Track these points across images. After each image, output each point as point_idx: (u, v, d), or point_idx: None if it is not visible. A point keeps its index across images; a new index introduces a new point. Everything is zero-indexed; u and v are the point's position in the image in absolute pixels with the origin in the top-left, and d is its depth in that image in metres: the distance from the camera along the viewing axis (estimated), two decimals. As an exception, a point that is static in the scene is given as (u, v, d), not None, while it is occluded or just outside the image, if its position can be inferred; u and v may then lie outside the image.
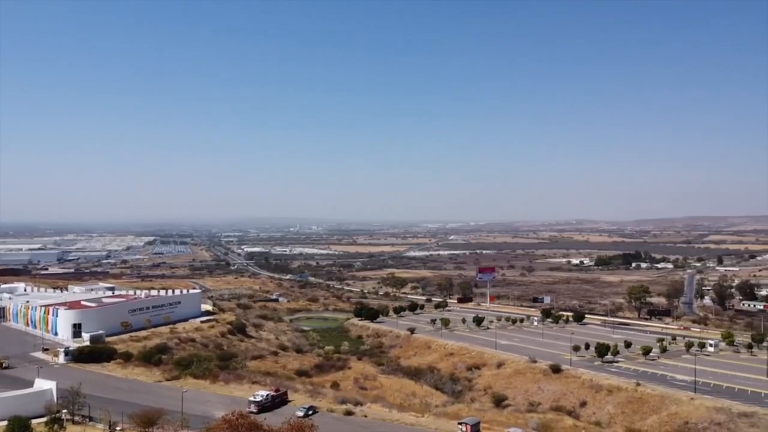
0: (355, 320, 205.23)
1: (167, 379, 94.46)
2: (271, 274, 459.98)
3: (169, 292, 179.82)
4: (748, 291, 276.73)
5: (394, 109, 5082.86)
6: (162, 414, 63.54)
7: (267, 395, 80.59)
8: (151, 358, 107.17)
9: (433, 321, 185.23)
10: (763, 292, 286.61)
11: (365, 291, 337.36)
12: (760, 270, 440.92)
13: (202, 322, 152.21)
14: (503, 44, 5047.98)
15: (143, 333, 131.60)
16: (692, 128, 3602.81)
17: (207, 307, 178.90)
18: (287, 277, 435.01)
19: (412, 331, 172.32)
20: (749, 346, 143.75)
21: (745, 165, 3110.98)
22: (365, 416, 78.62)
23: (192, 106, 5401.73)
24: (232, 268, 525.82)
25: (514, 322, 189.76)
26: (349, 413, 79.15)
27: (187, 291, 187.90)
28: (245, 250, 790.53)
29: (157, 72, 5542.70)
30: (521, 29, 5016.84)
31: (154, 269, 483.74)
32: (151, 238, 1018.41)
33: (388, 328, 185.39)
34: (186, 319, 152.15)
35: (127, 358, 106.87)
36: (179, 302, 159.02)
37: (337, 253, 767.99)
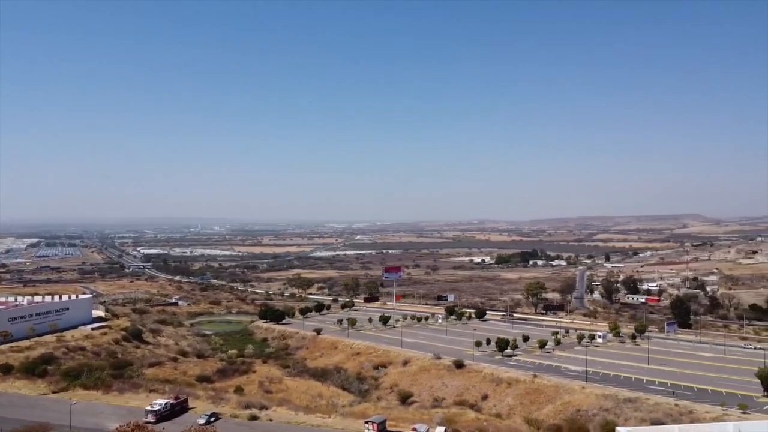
0: (260, 322, 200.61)
1: (54, 392, 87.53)
2: (170, 277, 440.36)
3: (56, 297, 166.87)
4: (632, 286, 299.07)
5: (298, 109, 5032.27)
6: (47, 429, 58.67)
7: (166, 404, 76.71)
8: (35, 369, 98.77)
9: (340, 321, 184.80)
10: (645, 287, 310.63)
11: (270, 292, 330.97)
12: (642, 266, 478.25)
13: (93, 329, 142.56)
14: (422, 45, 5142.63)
15: (26, 343, 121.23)
16: (580, 134, 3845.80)
17: (99, 313, 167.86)
18: (188, 280, 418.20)
19: (318, 331, 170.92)
20: (633, 337, 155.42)
21: (629, 169, 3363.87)
22: (270, 420, 76.79)
23: (79, 99, 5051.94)
24: (127, 271, 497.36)
25: (419, 320, 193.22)
26: (253, 418, 76.96)
27: (77, 296, 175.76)
28: (141, 251, 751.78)
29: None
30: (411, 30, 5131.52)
31: (39, 273, 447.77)
32: (35, 240, 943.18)
33: (295, 329, 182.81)
34: (75, 327, 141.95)
35: (6, 370, 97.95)
36: (67, 308, 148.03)
37: (240, 254, 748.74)
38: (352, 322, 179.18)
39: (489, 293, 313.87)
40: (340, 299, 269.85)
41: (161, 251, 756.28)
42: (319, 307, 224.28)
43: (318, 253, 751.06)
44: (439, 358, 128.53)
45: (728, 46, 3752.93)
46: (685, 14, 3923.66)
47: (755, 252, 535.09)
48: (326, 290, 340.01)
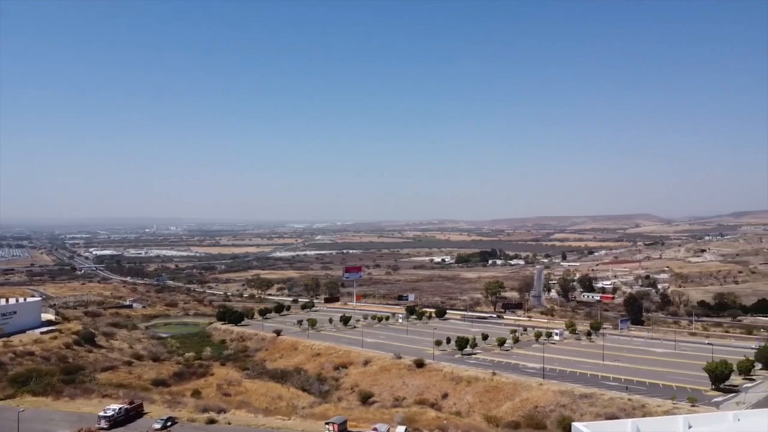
0: (218, 324, 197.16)
1: (0, 399, 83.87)
2: (125, 279, 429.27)
3: (2, 301, 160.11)
4: (587, 284, 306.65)
5: (257, 109, 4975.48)
6: (-8, 438, 56.09)
7: (119, 409, 74.44)
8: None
9: (300, 322, 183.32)
10: (600, 285, 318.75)
11: (229, 294, 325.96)
12: (597, 265, 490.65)
13: (42, 333, 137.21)
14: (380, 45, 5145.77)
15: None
16: (538, 136, 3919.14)
17: (49, 316, 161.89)
18: (143, 282, 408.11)
19: (278, 333, 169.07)
20: (588, 334, 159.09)
21: (585, 170, 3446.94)
22: (229, 423, 75.39)
23: (14, 97, 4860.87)
24: (79, 273, 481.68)
25: (380, 320, 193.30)
26: (211, 421, 75.42)
27: (25, 299, 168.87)
28: (94, 253, 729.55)
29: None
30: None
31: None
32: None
33: (254, 330, 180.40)
34: (23, 331, 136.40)
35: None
36: (14, 312, 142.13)
37: (198, 254, 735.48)
38: (313, 323, 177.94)
39: (449, 292, 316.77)
40: (300, 300, 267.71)
41: (115, 252, 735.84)
42: (279, 308, 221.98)
43: (278, 254, 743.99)
44: (400, 357, 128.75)
45: (679, 44, 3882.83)
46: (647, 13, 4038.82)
47: (703, 251, 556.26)
48: (286, 291, 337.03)
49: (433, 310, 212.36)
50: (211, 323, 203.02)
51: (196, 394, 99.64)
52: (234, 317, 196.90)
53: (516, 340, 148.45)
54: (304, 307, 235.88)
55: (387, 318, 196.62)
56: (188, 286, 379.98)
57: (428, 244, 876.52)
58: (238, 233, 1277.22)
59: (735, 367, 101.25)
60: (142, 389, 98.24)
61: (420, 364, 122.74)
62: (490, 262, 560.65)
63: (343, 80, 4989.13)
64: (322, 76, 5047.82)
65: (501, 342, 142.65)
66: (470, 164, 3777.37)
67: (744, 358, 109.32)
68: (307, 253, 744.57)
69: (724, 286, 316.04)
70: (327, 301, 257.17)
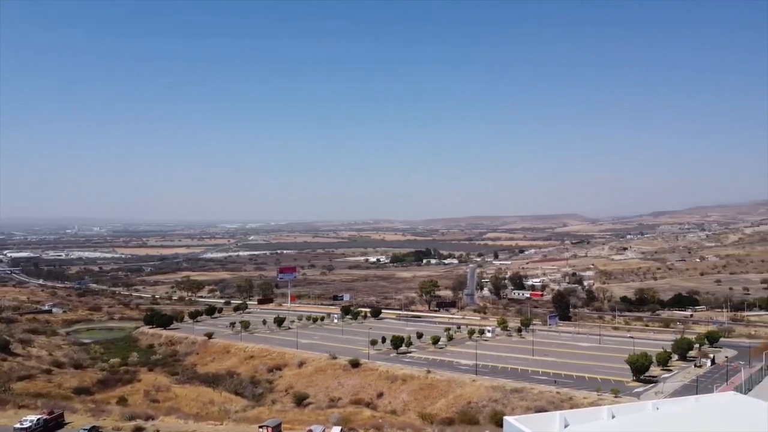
0: (146, 328, 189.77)
1: None
2: (43, 283, 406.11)
3: None
4: (518, 282, 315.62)
5: (185, 104, 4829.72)
6: None
7: (38, 420, 70.10)
8: None
9: (233, 324, 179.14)
10: (530, 282, 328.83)
11: (157, 296, 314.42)
12: (527, 263, 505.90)
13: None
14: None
15: None
16: (471, 137, 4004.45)
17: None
18: (63, 285, 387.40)
19: (209, 336, 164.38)
20: (519, 330, 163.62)
21: (515, 171, 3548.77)
22: (158, 430, 72.49)
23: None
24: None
25: (315, 320, 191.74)
26: (138, 429, 72.24)
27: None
28: (8, 255, 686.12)
29: None
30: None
31: None
32: None
33: (184, 334, 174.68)
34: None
35: None
36: None
37: (124, 256, 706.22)
38: (246, 325, 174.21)
39: (384, 292, 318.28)
40: (232, 302, 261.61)
41: (32, 254, 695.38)
42: (211, 311, 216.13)
43: (209, 255, 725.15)
44: (335, 358, 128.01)
45: (604, 43, 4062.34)
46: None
47: (625, 249, 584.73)
48: (218, 293, 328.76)
49: (368, 309, 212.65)
50: (137, 327, 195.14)
51: (122, 401, 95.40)
52: (162, 321, 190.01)
53: (450, 338, 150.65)
54: (236, 309, 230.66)
55: (322, 318, 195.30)
56: (113, 289, 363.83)
57: (363, 244, 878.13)
58: (167, 234, 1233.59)
59: (654, 358, 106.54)
60: (62, 398, 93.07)
61: (355, 364, 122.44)
62: (424, 261, 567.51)
63: (268, 75, 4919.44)
64: (246, 73, 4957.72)
65: (435, 340, 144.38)
66: (405, 164, 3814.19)
67: (662, 350, 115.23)
68: (240, 253, 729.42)
69: (644, 282, 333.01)
70: (261, 302, 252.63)
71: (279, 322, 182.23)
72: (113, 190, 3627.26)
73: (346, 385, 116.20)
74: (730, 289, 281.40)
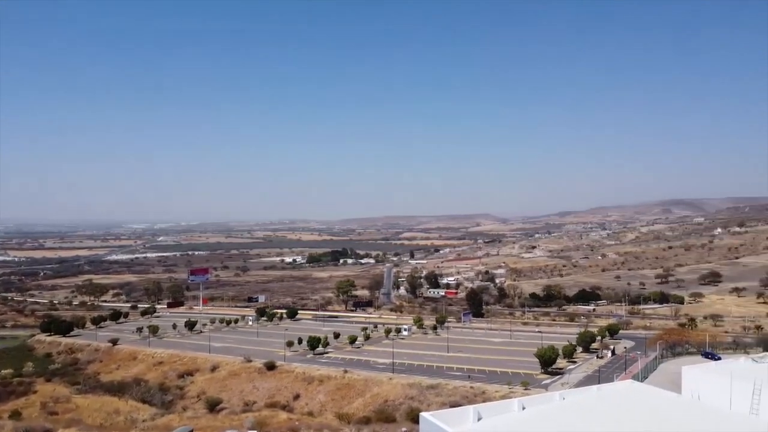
0: (43, 336, 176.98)
1: None
2: None
3: None
4: (433, 280, 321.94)
5: (82, 93, 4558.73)
6: None
7: None
8: None
9: (140, 329, 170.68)
10: (445, 281, 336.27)
11: (56, 302, 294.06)
12: (442, 262, 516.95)
13: None
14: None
15: None
16: (386, 137, 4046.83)
17: None
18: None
19: (114, 342, 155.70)
20: (434, 328, 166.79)
21: (430, 171, 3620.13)
22: (55, 446, 67.61)
23: None
24: None
25: (228, 323, 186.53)
26: (33, 445, 67.05)
27: None
28: None
29: None
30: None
31: None
32: None
33: (86, 341, 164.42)
34: None
35: None
36: None
37: (17, 259, 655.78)
38: (154, 330, 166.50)
39: (301, 292, 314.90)
40: (140, 306, 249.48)
41: None
42: (116, 316, 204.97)
43: (114, 257, 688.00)
44: (250, 360, 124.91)
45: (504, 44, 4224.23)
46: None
47: (534, 247, 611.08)
48: (124, 296, 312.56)
49: (284, 310, 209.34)
50: (33, 335, 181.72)
51: (15, 415, 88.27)
52: (61, 327, 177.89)
53: (367, 338, 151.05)
54: (144, 313, 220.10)
55: (236, 321, 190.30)
56: (5, 294, 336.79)
57: (279, 244, 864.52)
58: (66, 235, 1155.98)
59: (560, 351, 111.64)
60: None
61: (271, 366, 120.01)
62: (341, 261, 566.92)
63: (170, 70, 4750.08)
64: (141, 66, 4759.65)
65: (352, 340, 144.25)
66: (321, 164, 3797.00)
67: (568, 343, 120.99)
68: (148, 255, 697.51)
69: (551, 279, 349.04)
70: (170, 305, 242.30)
71: (190, 325, 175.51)
72: (3, 187, 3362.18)
73: (261, 388, 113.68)
74: (628, 284, 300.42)
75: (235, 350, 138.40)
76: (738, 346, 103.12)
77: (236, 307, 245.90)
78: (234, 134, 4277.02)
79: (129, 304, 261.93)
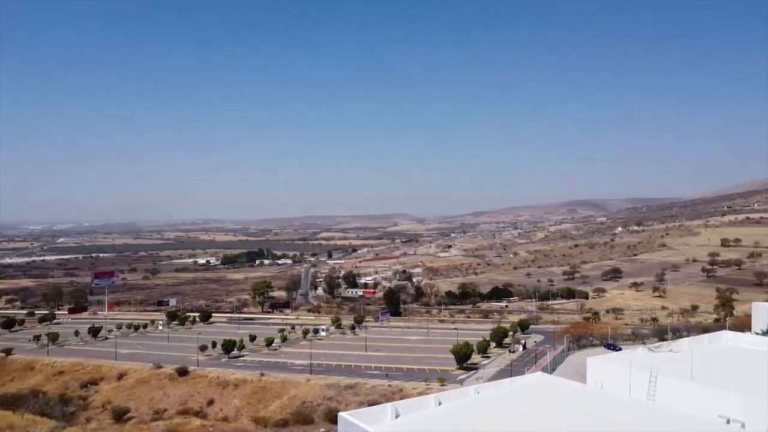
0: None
1: None
2: None
3: None
4: (352, 280, 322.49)
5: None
6: None
7: None
8: None
9: (37, 337, 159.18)
10: (363, 281, 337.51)
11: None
12: (360, 262, 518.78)
13: None
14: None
15: None
16: (300, 136, 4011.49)
17: None
18: None
19: (7, 352, 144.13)
20: (352, 328, 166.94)
21: (349, 170, 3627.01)
22: (-64, 468, 61.62)
23: None
24: None
25: (137, 328, 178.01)
26: None
27: None
28: None
29: None
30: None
31: None
32: None
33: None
34: None
35: None
36: None
37: None
38: (54, 337, 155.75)
39: (215, 295, 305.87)
40: (37, 312, 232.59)
41: None
42: (9, 323, 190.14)
43: (7, 260, 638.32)
44: (161, 367, 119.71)
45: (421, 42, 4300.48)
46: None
47: (450, 246, 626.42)
48: (18, 303, 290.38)
49: (197, 314, 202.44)
50: None
51: None
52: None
53: (284, 339, 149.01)
54: (42, 320, 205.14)
55: (145, 326, 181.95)
56: None
57: (191, 245, 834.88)
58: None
59: (475, 347, 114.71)
60: None
61: (183, 372, 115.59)
62: (257, 262, 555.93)
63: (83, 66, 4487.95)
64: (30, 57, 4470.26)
65: (269, 342, 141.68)
66: (236, 163, 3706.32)
67: (482, 339, 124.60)
68: (47, 258, 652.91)
69: (466, 277, 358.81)
70: (72, 311, 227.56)
71: (94, 332, 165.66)
72: None
73: (172, 395, 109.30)
74: (538, 281, 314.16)
75: (144, 356, 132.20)
76: (636, 338, 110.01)
77: (145, 311, 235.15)
78: (142, 130, 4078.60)
79: (25, 311, 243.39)
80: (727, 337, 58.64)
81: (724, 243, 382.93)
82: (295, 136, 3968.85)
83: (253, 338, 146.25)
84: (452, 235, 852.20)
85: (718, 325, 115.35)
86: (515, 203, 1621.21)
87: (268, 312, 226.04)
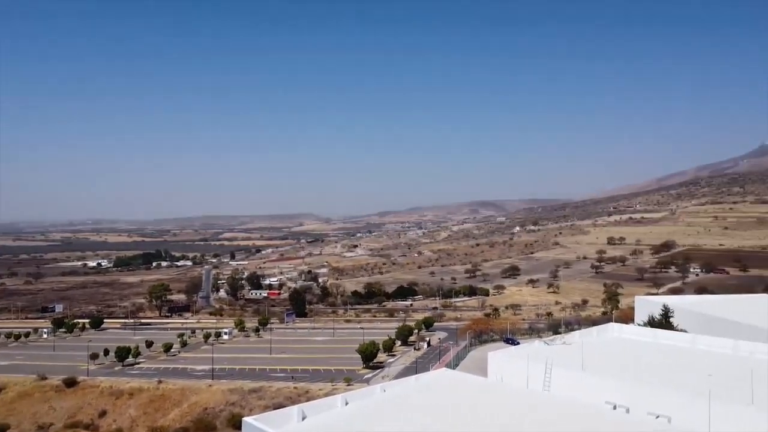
0: None
1: None
2: None
3: None
4: (255, 281, 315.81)
5: None
6: None
7: None
8: None
9: None
10: (267, 282, 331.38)
11: None
12: (264, 262, 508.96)
13: None
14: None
15: None
16: (201, 134, 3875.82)
17: None
18: None
19: None
20: (257, 330, 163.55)
21: (253, 169, 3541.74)
22: None
23: None
24: None
25: (17, 337, 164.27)
26: None
27: None
28: None
29: None
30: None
31: None
32: None
33: None
34: None
35: None
36: None
37: None
38: None
39: (107, 299, 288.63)
40: None
41: None
42: None
43: None
44: (45, 378, 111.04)
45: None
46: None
47: (356, 246, 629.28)
48: None
49: (87, 320, 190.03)
50: None
51: None
52: None
53: (184, 344, 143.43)
54: None
55: (27, 335, 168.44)
56: None
57: (81, 247, 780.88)
58: None
59: (381, 346, 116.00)
60: None
61: (71, 382, 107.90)
62: (154, 264, 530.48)
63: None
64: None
65: (167, 348, 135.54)
66: (130, 160, 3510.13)
67: (387, 337, 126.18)
68: None
69: (372, 276, 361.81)
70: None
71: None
72: None
73: (59, 407, 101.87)
74: (442, 279, 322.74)
75: (26, 368, 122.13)
76: (533, 332, 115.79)
77: (27, 319, 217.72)
78: (23, 124, 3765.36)
79: None
80: (613, 329, 62.99)
81: (610, 241, 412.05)
82: (194, 132, 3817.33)
83: (150, 344, 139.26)
84: (358, 234, 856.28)
85: (605, 318, 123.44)
86: (420, 203, 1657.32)
87: (167, 316, 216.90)
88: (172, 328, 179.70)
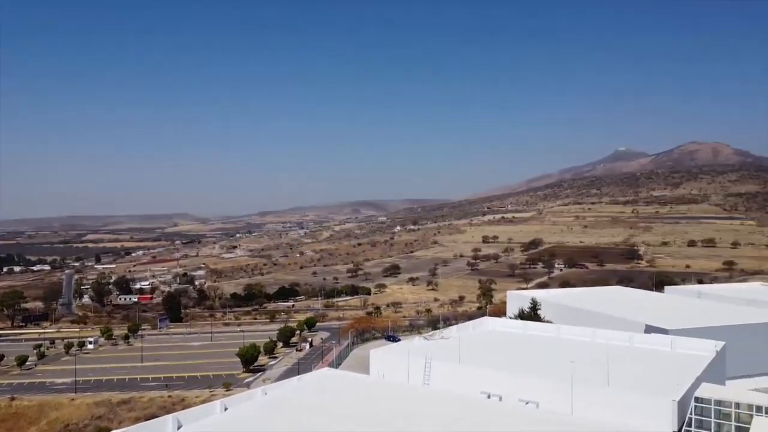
0: None
1: None
2: None
3: None
4: (124, 286, 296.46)
5: None
6: None
7: None
8: None
9: None
10: (138, 286, 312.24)
11: None
12: (134, 265, 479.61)
13: None
14: None
15: None
16: (78, 131, 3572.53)
17: None
18: None
19: None
20: (126, 338, 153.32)
21: (123, 168, 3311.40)
22: None
23: None
24: None
25: None
26: None
27: None
28: None
29: None
30: None
31: None
32: None
33: None
34: None
35: None
36: None
37: None
38: None
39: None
40: None
41: None
42: None
43: None
44: None
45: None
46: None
47: (235, 247, 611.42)
48: None
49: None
50: None
51: None
52: None
53: (42, 356, 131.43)
54: None
55: None
56: None
57: None
58: None
59: (262, 348, 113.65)
60: None
61: None
62: (5, 269, 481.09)
63: None
64: None
65: (22, 361, 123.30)
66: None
67: (269, 339, 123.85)
68: None
69: (253, 278, 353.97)
70: None
71: None
72: None
73: None
74: (324, 279, 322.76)
75: None
76: (413, 328, 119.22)
77: None
78: None
79: None
80: (487, 322, 66.26)
81: (485, 239, 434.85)
82: (54, 125, 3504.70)
83: (1, 357, 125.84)
84: (237, 235, 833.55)
85: (480, 313, 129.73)
86: (301, 203, 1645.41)
87: (21, 326, 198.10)
88: (27, 340, 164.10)
